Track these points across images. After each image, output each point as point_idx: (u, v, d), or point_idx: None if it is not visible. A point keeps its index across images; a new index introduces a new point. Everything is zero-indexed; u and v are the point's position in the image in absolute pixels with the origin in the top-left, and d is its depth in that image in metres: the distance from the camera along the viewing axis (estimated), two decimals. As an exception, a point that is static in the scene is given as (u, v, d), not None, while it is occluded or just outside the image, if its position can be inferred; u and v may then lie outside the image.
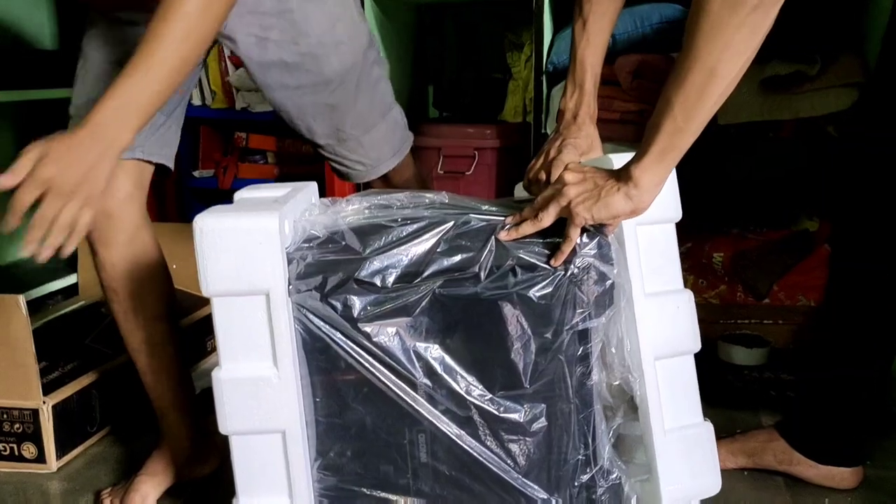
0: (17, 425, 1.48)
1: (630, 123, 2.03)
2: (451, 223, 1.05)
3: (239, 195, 1.11)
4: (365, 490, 1.06)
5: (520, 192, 1.27)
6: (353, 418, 1.04)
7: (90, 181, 0.98)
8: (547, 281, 1.01)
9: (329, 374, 1.04)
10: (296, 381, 1.02)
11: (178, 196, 2.67)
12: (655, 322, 1.07)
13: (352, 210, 1.12)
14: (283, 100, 1.32)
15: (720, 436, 1.18)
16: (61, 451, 1.50)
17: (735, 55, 0.88)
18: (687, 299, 1.10)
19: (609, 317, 1.04)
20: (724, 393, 1.75)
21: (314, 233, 1.05)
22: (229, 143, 2.74)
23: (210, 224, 0.98)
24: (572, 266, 1.02)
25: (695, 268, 2.14)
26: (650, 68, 2.00)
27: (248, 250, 0.99)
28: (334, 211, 1.11)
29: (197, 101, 2.58)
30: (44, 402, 1.47)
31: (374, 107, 1.38)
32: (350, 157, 1.41)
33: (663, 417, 1.08)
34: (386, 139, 1.43)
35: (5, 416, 1.48)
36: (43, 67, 2.14)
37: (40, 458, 1.49)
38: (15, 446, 1.49)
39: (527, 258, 1.02)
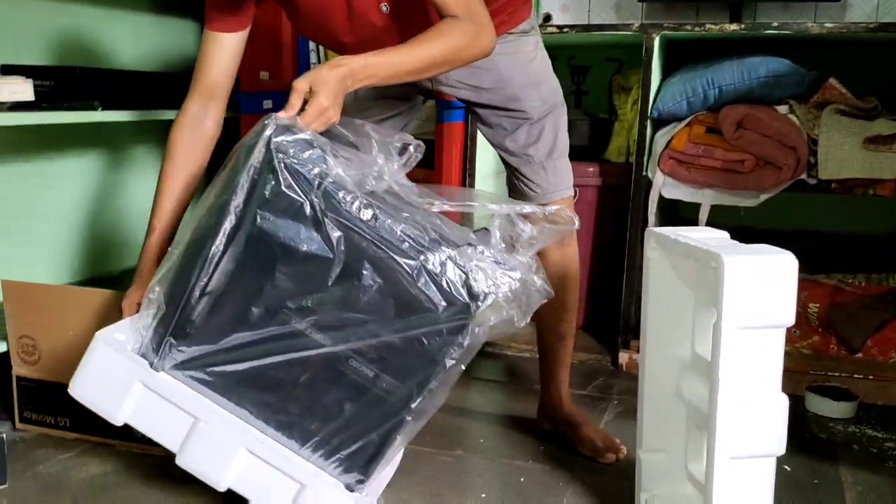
0: (149, 412, 1.66)
1: (731, 172, 2.09)
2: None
3: None
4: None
5: None
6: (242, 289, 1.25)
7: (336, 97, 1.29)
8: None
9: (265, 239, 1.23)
10: None
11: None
12: (738, 421, 1.15)
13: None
14: (491, 124, 1.65)
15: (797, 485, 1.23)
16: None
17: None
18: (781, 405, 1.17)
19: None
20: (806, 442, 1.78)
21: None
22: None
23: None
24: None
25: (787, 317, 2.16)
26: (754, 119, 2.06)
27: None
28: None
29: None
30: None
31: (557, 143, 1.66)
32: (532, 179, 1.65)
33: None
34: (562, 173, 1.67)
35: None
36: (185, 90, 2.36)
37: (166, 443, 1.66)
38: (146, 430, 1.67)
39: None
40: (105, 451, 1.68)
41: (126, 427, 1.67)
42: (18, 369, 1.76)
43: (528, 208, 1.32)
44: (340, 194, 1.22)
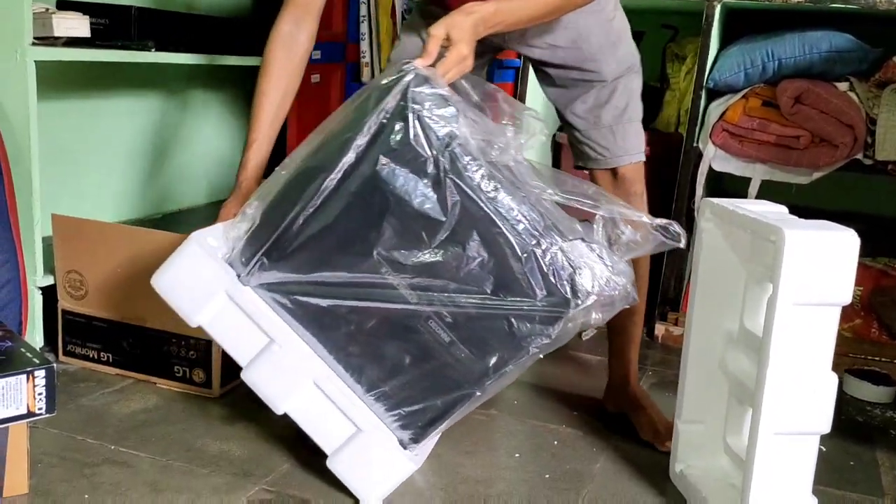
0: (191, 352, 1.68)
1: (785, 147, 2.05)
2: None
3: None
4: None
5: None
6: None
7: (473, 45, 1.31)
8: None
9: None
10: None
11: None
12: (786, 397, 1.14)
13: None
14: (562, 85, 1.61)
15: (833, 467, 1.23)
16: (226, 379, 1.69)
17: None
18: (831, 384, 1.16)
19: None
20: (843, 425, 1.77)
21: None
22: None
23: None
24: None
25: (831, 298, 2.13)
26: (813, 95, 2.02)
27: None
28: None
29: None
30: (216, 336, 1.66)
31: (628, 107, 1.60)
32: (600, 142, 1.60)
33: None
34: (632, 137, 1.62)
35: (183, 343, 1.69)
36: (239, 35, 2.36)
37: (207, 384, 1.69)
38: (187, 370, 1.70)
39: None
40: (146, 387, 1.71)
41: (166, 365, 1.71)
42: (64, 303, 1.79)
43: (636, 215, 1.26)
44: (466, 159, 1.19)
